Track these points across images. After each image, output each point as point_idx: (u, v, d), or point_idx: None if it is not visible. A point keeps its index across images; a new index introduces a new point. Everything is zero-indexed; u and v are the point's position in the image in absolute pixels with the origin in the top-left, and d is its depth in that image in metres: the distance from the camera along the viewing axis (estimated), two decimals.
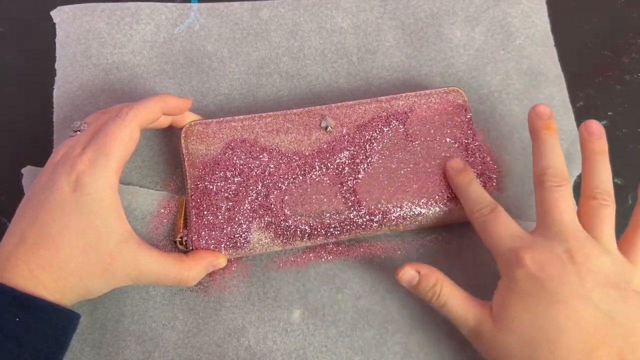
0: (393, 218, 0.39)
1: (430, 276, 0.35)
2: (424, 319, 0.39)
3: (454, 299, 0.35)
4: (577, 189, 0.43)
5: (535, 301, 0.32)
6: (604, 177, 0.36)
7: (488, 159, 0.42)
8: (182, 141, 0.40)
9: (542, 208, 0.35)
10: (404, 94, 0.42)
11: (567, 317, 0.31)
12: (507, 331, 0.32)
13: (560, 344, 0.31)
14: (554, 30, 0.48)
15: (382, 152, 0.40)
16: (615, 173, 0.44)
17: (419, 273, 0.35)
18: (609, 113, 0.46)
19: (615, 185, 0.43)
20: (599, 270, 0.32)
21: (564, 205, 0.34)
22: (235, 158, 0.39)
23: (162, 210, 0.41)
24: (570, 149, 0.44)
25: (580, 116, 0.45)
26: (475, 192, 0.38)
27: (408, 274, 0.36)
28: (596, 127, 0.37)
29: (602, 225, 0.34)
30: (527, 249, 0.33)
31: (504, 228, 0.35)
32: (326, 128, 0.40)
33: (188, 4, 0.47)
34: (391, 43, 0.47)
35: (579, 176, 0.43)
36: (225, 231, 0.38)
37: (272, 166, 0.39)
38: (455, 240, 0.41)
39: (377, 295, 0.39)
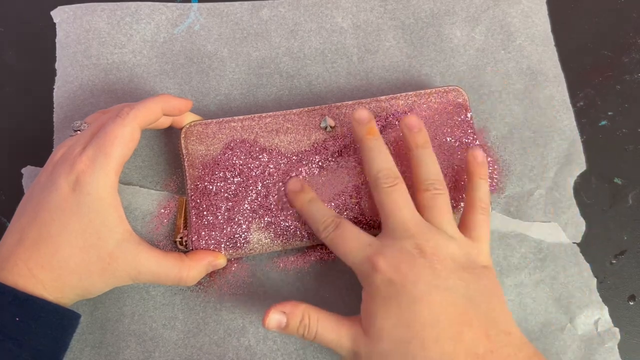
0: None
1: (295, 312, 0.34)
2: None
3: (323, 325, 0.34)
4: (577, 189, 0.43)
5: (396, 303, 0.32)
6: (431, 168, 0.36)
7: (488, 159, 0.42)
8: (182, 141, 0.40)
9: (383, 211, 0.35)
10: (403, 94, 0.41)
11: (429, 311, 0.32)
12: (378, 340, 0.32)
13: (428, 338, 0.31)
14: (554, 30, 0.48)
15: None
16: (616, 173, 0.44)
17: (284, 313, 0.34)
18: (609, 113, 0.46)
19: (615, 185, 0.44)
20: (448, 258, 0.33)
21: (403, 203, 0.35)
22: (235, 158, 0.39)
23: (162, 210, 0.41)
24: (571, 149, 0.44)
25: (580, 116, 0.45)
26: (318, 210, 0.37)
27: (274, 318, 0.33)
28: (415, 122, 0.37)
29: (441, 214, 0.35)
30: (379, 255, 0.33)
31: (353, 240, 0.35)
32: (326, 128, 0.40)
33: (188, 4, 0.47)
34: (391, 43, 0.47)
35: (579, 176, 0.43)
36: (225, 231, 0.38)
37: (271, 166, 0.39)
38: None
39: None
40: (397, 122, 0.41)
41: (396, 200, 0.35)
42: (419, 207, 0.36)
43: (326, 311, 0.35)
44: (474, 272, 0.34)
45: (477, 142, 0.41)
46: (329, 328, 0.34)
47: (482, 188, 0.37)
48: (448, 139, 0.41)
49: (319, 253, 0.40)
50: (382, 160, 0.36)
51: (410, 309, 0.32)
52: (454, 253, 0.34)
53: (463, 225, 0.37)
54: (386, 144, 0.40)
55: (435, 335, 0.31)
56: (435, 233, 0.34)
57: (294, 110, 0.41)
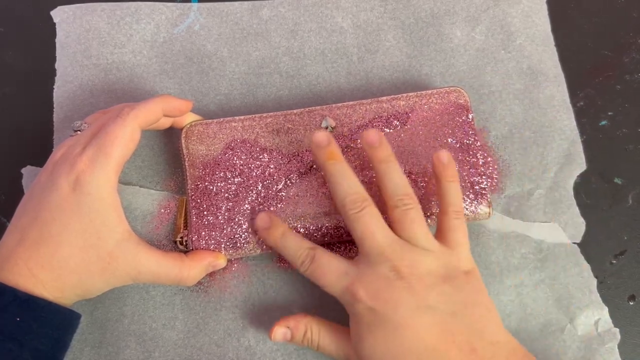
0: None
1: (299, 326, 0.35)
2: None
3: (324, 338, 0.35)
4: (577, 189, 0.43)
5: (381, 330, 0.32)
6: (397, 182, 0.35)
7: (489, 159, 0.42)
8: (183, 141, 0.40)
9: (355, 236, 0.35)
10: (404, 94, 0.41)
11: (413, 335, 0.32)
12: None
13: None
14: (554, 30, 0.48)
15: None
16: (616, 173, 0.44)
17: (288, 328, 0.35)
18: (609, 113, 0.46)
19: (615, 185, 0.44)
20: (426, 273, 0.33)
21: (374, 226, 0.34)
22: (235, 158, 0.39)
23: (162, 211, 0.41)
24: (571, 149, 0.44)
25: (581, 116, 0.45)
26: (291, 245, 0.36)
27: (279, 333, 0.35)
28: (374, 136, 0.36)
29: (414, 228, 0.35)
30: (358, 283, 0.33)
31: (330, 271, 0.35)
32: (327, 128, 0.40)
33: (188, 4, 0.47)
34: (391, 43, 0.47)
35: (579, 176, 0.43)
36: (225, 231, 0.38)
37: (272, 167, 0.39)
38: None
39: None
40: (398, 123, 0.41)
41: (367, 224, 0.34)
42: (391, 223, 0.35)
43: (329, 323, 0.36)
44: (454, 282, 0.34)
45: (479, 143, 0.41)
46: (329, 341, 0.35)
47: (451, 191, 0.36)
48: (449, 140, 0.41)
49: None
50: (347, 185, 0.35)
51: (394, 335, 0.32)
52: (431, 267, 0.34)
53: (439, 232, 0.36)
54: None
55: (418, 358, 0.31)
56: (409, 251, 0.34)
57: (295, 111, 0.41)
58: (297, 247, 0.36)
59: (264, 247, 0.38)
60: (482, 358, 0.32)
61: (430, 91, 0.41)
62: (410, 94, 0.41)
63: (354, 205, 0.35)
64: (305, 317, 0.36)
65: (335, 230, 0.39)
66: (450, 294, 0.33)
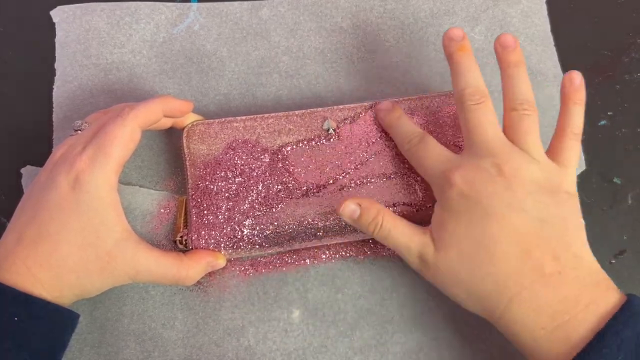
0: None
1: (371, 208, 0.35)
2: (423, 319, 0.39)
3: (396, 229, 0.35)
4: (577, 189, 0.43)
5: (468, 217, 0.33)
6: (522, 87, 0.36)
7: None
8: (184, 141, 0.40)
9: (466, 128, 0.36)
10: (406, 97, 0.41)
11: (500, 226, 0.32)
12: (446, 249, 0.33)
13: (496, 251, 0.32)
14: (554, 30, 0.48)
15: (384, 155, 0.40)
16: (615, 173, 0.44)
17: (359, 206, 0.35)
18: (609, 113, 0.46)
19: (615, 185, 0.44)
20: (529, 180, 0.33)
21: (487, 122, 0.35)
22: (236, 158, 0.39)
23: (162, 210, 0.41)
24: None
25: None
26: (405, 125, 0.39)
27: (349, 208, 0.36)
28: (510, 40, 0.37)
29: (527, 135, 0.35)
30: (456, 169, 0.34)
31: (434, 154, 0.36)
32: (328, 130, 0.40)
33: (187, 4, 0.47)
34: (391, 43, 0.47)
35: (579, 176, 0.43)
36: (225, 231, 0.38)
37: (273, 167, 0.39)
38: None
39: (377, 295, 0.39)
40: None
41: (480, 118, 0.35)
42: (505, 127, 0.36)
43: (400, 217, 0.36)
44: (555, 197, 0.33)
45: None
46: (401, 232, 0.35)
47: (575, 113, 0.36)
48: (451, 143, 0.41)
49: (319, 253, 0.40)
50: (470, 77, 0.36)
51: (481, 224, 0.33)
52: (534, 176, 0.33)
53: (551, 150, 0.36)
54: (387, 148, 0.40)
55: (503, 251, 0.32)
56: (517, 154, 0.34)
57: (297, 112, 0.41)
58: (410, 129, 0.38)
59: (264, 247, 0.38)
60: (563, 267, 0.32)
61: (431, 94, 0.42)
62: (412, 97, 0.42)
63: (473, 97, 0.35)
64: (378, 203, 0.36)
65: (338, 230, 0.39)
66: (547, 204, 0.33)
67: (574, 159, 0.35)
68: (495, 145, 0.34)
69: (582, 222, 0.35)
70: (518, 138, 0.35)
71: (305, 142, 0.40)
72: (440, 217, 0.34)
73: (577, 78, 0.37)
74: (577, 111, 0.36)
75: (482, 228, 0.32)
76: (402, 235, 0.35)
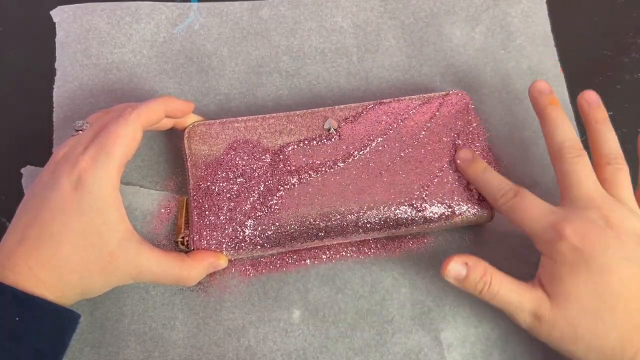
0: (395, 221, 0.39)
1: (478, 267, 0.34)
2: (423, 319, 0.39)
3: (506, 286, 0.34)
4: None
5: (585, 270, 0.32)
6: (612, 143, 0.37)
7: (490, 161, 0.42)
8: (185, 141, 0.40)
9: (565, 181, 0.36)
10: (407, 97, 0.41)
11: (620, 279, 0.32)
12: (566, 305, 0.33)
13: (618, 307, 0.32)
14: (554, 30, 0.48)
15: (385, 155, 0.40)
16: None
17: (466, 265, 0.34)
18: (609, 113, 0.45)
19: None
20: (632, 231, 0.34)
21: (587, 175, 0.35)
22: (237, 159, 0.39)
23: (163, 210, 0.41)
24: None
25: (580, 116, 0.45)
26: (494, 178, 0.38)
27: (455, 269, 0.34)
28: (594, 97, 0.38)
29: (622, 188, 0.35)
30: (565, 222, 0.34)
31: (534, 207, 0.35)
32: (329, 130, 0.40)
33: (188, 4, 0.47)
34: (391, 43, 0.47)
35: None
36: (226, 232, 0.38)
37: (274, 167, 0.39)
38: (456, 242, 0.41)
39: (377, 295, 0.39)
40: (400, 125, 0.41)
41: (581, 171, 0.35)
42: (601, 180, 0.36)
43: (504, 273, 0.35)
44: None
45: (478, 144, 0.41)
46: (510, 289, 0.34)
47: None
48: (452, 143, 0.41)
49: (319, 253, 0.40)
50: (565, 130, 0.37)
51: (600, 278, 0.32)
52: (636, 226, 0.34)
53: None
54: (389, 148, 0.40)
55: (625, 304, 0.32)
56: (619, 206, 0.34)
57: (298, 112, 0.41)
58: (499, 181, 0.37)
59: (266, 247, 0.38)
60: None
61: (433, 94, 0.42)
62: (413, 97, 0.42)
63: (573, 151, 0.36)
64: (482, 260, 0.35)
65: (338, 230, 0.39)
66: None
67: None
68: (597, 197, 0.34)
69: None
70: (615, 191, 0.35)
71: (306, 142, 0.40)
72: (553, 273, 0.34)
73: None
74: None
75: (602, 282, 0.32)
76: (512, 292, 0.34)
